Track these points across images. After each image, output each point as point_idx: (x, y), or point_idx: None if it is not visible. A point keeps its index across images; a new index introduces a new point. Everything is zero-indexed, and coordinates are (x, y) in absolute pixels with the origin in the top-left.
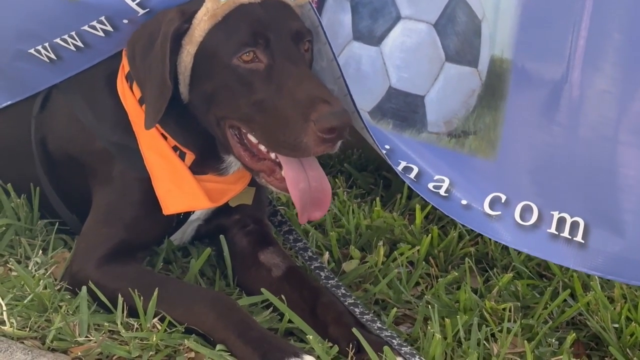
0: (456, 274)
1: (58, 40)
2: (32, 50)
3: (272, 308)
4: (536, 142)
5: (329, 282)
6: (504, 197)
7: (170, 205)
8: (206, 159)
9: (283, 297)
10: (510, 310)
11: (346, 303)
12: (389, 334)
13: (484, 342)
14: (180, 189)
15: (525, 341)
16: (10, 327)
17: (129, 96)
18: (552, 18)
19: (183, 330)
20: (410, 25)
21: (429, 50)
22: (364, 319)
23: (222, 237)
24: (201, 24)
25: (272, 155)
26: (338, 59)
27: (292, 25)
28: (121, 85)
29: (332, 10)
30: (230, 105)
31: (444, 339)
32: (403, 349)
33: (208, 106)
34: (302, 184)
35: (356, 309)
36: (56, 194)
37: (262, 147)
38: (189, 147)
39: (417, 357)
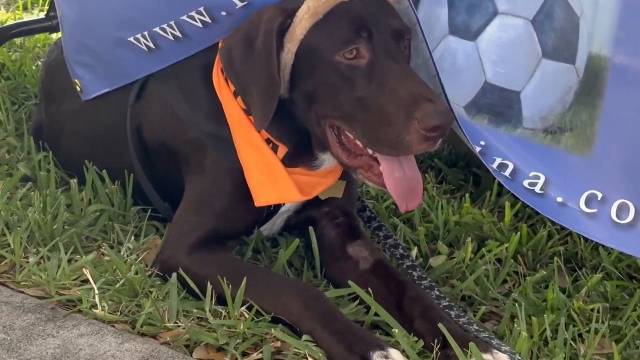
0: (544, 272)
1: (157, 29)
2: (131, 39)
3: (358, 300)
4: (634, 140)
5: (422, 282)
6: (600, 195)
7: (261, 197)
8: (299, 155)
9: (370, 290)
10: (598, 311)
11: (441, 305)
12: (487, 335)
13: (571, 342)
14: (272, 181)
15: (613, 342)
16: (102, 310)
17: (224, 88)
18: None
19: (270, 319)
20: (507, 20)
21: (526, 46)
22: (460, 322)
23: (310, 228)
24: (302, 22)
25: (369, 150)
26: (433, 53)
27: (393, 23)
28: (217, 77)
29: (429, 4)
30: (332, 103)
31: (530, 337)
32: (503, 347)
33: (309, 104)
34: (398, 172)
35: (451, 312)
36: (149, 181)
37: (359, 143)
38: (282, 141)
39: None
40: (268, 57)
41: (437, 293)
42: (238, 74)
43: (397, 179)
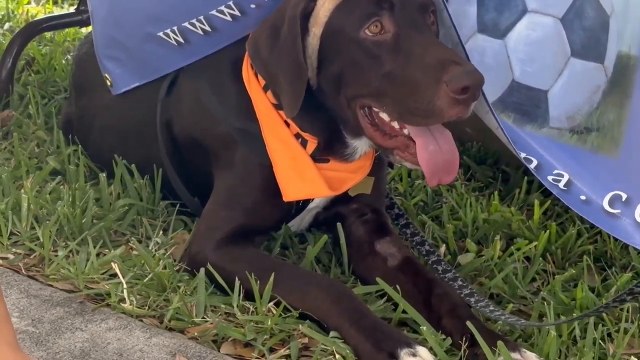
0: (573, 271)
1: (187, 24)
2: (161, 34)
3: (386, 297)
4: None
5: (446, 275)
6: (624, 196)
7: (290, 192)
8: (331, 145)
9: (398, 287)
10: (628, 311)
11: (463, 294)
12: (507, 315)
13: (600, 341)
14: (301, 176)
15: None
16: (130, 304)
17: (253, 83)
18: None
19: (297, 315)
20: (536, 18)
21: (555, 45)
22: (478, 306)
23: (339, 225)
24: (325, 4)
25: (405, 131)
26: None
27: None
28: (246, 71)
29: (458, 2)
30: (360, 82)
31: (559, 336)
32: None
33: (338, 88)
34: (432, 146)
35: (471, 299)
36: (178, 176)
37: (395, 124)
38: (314, 133)
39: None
40: (293, 43)
41: (460, 283)
42: (265, 63)
43: (432, 152)
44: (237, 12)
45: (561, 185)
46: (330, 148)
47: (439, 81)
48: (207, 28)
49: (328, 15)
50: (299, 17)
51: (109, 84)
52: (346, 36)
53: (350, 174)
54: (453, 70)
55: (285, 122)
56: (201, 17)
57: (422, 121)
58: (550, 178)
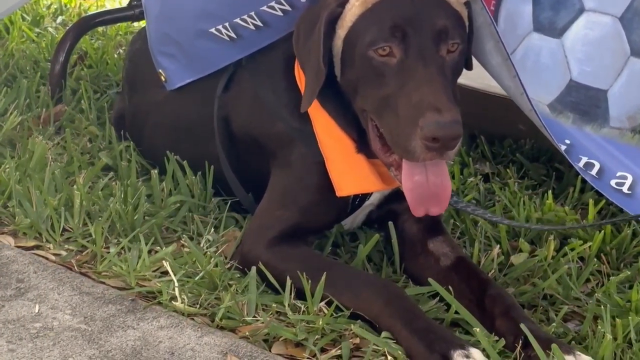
0: (628, 272)
1: (238, 20)
2: (213, 30)
3: (438, 298)
4: None
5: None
6: None
7: (344, 186)
8: (363, 146)
9: (450, 288)
10: None
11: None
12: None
13: None
14: (353, 170)
15: None
16: (182, 303)
17: (303, 79)
18: None
19: (348, 315)
20: (594, 17)
21: (613, 44)
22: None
23: (390, 223)
24: (353, 9)
25: None
26: (517, 51)
27: (437, 24)
28: (297, 68)
29: (513, 1)
30: (366, 95)
31: (614, 339)
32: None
33: (354, 95)
34: (418, 176)
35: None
36: (233, 172)
37: None
38: (346, 129)
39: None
40: (317, 44)
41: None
42: (300, 52)
43: (416, 182)
44: (287, 7)
45: (625, 188)
46: (366, 149)
47: (415, 124)
48: (259, 23)
49: (353, 20)
50: (325, 22)
51: (163, 79)
52: (358, 48)
53: None
54: (429, 118)
55: None
56: (252, 13)
57: (402, 154)
58: (613, 182)
